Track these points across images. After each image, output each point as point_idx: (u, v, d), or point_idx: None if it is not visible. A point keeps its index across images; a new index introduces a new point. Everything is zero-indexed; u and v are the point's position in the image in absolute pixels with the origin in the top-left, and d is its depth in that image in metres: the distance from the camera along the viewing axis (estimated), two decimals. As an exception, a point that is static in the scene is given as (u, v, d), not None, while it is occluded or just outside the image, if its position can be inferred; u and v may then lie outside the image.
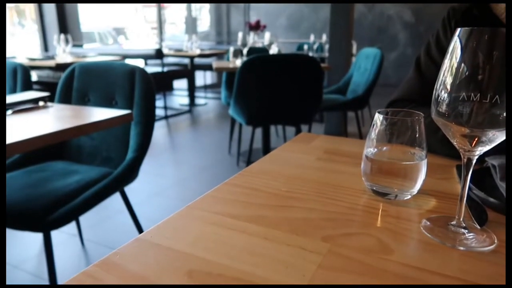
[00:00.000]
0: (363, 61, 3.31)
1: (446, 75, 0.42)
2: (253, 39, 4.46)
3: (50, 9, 5.45)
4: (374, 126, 0.54)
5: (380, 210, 0.51)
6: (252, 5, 8.00)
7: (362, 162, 0.56)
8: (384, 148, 0.55)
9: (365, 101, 3.21)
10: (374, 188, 0.55)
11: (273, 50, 3.18)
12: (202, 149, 3.71)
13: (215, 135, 4.22)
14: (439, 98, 0.43)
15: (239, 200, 0.54)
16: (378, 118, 0.54)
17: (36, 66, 3.61)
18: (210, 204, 0.52)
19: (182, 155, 3.59)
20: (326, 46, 4.51)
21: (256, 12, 8.13)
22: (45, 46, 5.56)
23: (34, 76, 3.99)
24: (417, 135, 0.52)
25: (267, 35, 3.22)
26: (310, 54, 4.27)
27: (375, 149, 0.55)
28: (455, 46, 0.41)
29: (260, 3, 8.21)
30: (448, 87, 0.41)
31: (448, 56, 0.42)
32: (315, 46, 4.79)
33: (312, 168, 0.67)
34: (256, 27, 5.74)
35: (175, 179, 2.90)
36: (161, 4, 7.38)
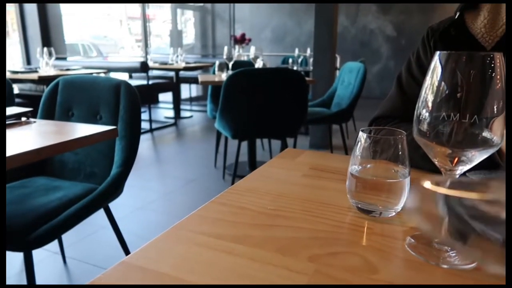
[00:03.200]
0: (347, 75, 3.36)
1: (428, 93, 0.43)
2: (238, 52, 4.49)
3: (33, 20, 5.38)
4: (358, 144, 0.55)
5: (365, 228, 0.52)
6: (237, 18, 8.08)
7: (347, 179, 0.57)
8: (368, 165, 0.56)
9: (349, 114, 3.25)
10: (359, 206, 0.55)
11: (258, 63, 3.21)
12: (187, 162, 3.69)
13: (200, 148, 4.20)
14: (421, 116, 0.44)
15: (226, 220, 0.53)
16: (362, 136, 0.55)
17: (18, 79, 3.55)
18: (197, 224, 0.52)
19: (167, 168, 3.56)
20: (311, 60, 4.57)
21: (241, 25, 8.21)
22: (28, 59, 5.48)
23: (16, 89, 3.93)
24: (399, 153, 0.53)
25: (252, 49, 3.25)
26: (295, 67, 4.32)
27: (360, 167, 0.56)
28: (435, 66, 0.43)
29: (245, 16, 8.30)
30: (430, 105, 0.43)
31: (428, 76, 0.44)
32: (299, 60, 4.86)
33: (298, 185, 0.67)
34: (241, 41, 5.79)
35: (160, 193, 2.87)
36: (147, 16, 7.37)
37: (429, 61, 0.90)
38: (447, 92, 0.42)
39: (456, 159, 0.43)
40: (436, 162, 0.45)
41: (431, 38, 0.87)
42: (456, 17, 0.84)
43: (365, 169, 0.55)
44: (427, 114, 0.43)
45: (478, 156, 0.42)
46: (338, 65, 4.93)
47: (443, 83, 0.42)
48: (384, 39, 7.59)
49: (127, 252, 1.62)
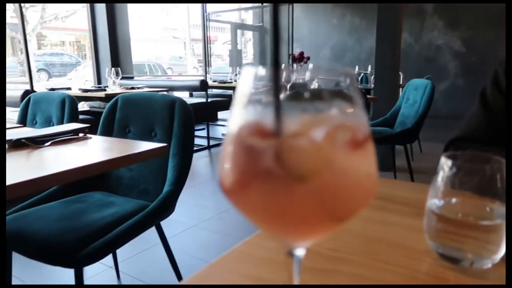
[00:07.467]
0: (412, 93, 3.15)
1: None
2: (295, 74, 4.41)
3: (104, 44, 5.80)
4: (441, 173, 0.44)
5: (451, 283, 0.40)
6: (296, 37, 8.08)
7: (425, 216, 0.46)
8: (454, 199, 0.44)
9: (414, 134, 3.02)
10: (441, 251, 0.44)
11: (314, 85, 3.12)
12: (242, 180, 3.64)
13: (256, 166, 4.15)
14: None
15: (273, 260, 0.45)
16: (446, 163, 0.44)
17: (88, 96, 3.80)
18: (238, 263, 0.44)
19: (222, 186, 3.54)
20: (372, 77, 4.39)
21: (300, 44, 8.19)
22: (98, 79, 5.89)
23: (86, 106, 4.21)
24: (497, 186, 0.42)
25: (307, 73, 3.17)
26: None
27: (442, 201, 0.45)
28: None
29: (304, 35, 8.28)
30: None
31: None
32: (360, 77, 4.69)
33: (360, 219, 0.57)
34: (300, 59, 5.75)
35: (215, 211, 2.84)
36: (208, 38, 7.63)
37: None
38: None
39: None
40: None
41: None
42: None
43: (449, 205, 0.44)
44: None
45: None
46: (401, 82, 4.68)
47: None
48: (452, 55, 7.13)
49: (177, 272, 1.58)
